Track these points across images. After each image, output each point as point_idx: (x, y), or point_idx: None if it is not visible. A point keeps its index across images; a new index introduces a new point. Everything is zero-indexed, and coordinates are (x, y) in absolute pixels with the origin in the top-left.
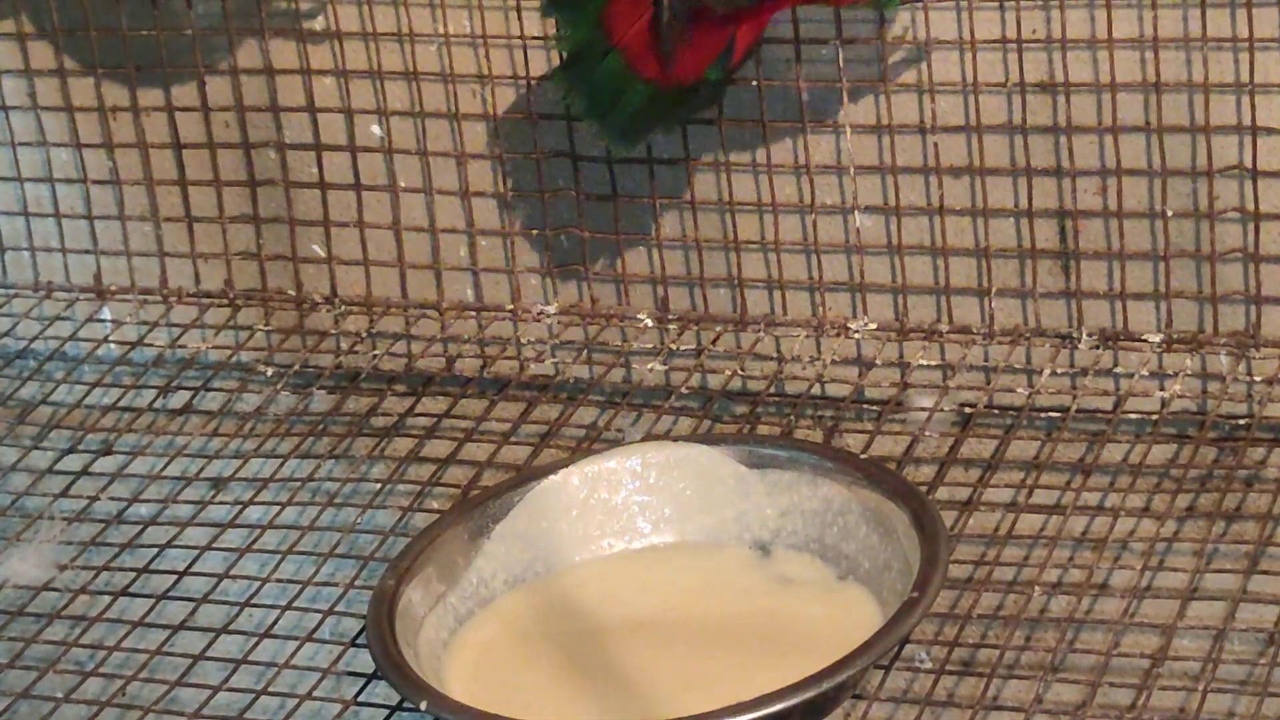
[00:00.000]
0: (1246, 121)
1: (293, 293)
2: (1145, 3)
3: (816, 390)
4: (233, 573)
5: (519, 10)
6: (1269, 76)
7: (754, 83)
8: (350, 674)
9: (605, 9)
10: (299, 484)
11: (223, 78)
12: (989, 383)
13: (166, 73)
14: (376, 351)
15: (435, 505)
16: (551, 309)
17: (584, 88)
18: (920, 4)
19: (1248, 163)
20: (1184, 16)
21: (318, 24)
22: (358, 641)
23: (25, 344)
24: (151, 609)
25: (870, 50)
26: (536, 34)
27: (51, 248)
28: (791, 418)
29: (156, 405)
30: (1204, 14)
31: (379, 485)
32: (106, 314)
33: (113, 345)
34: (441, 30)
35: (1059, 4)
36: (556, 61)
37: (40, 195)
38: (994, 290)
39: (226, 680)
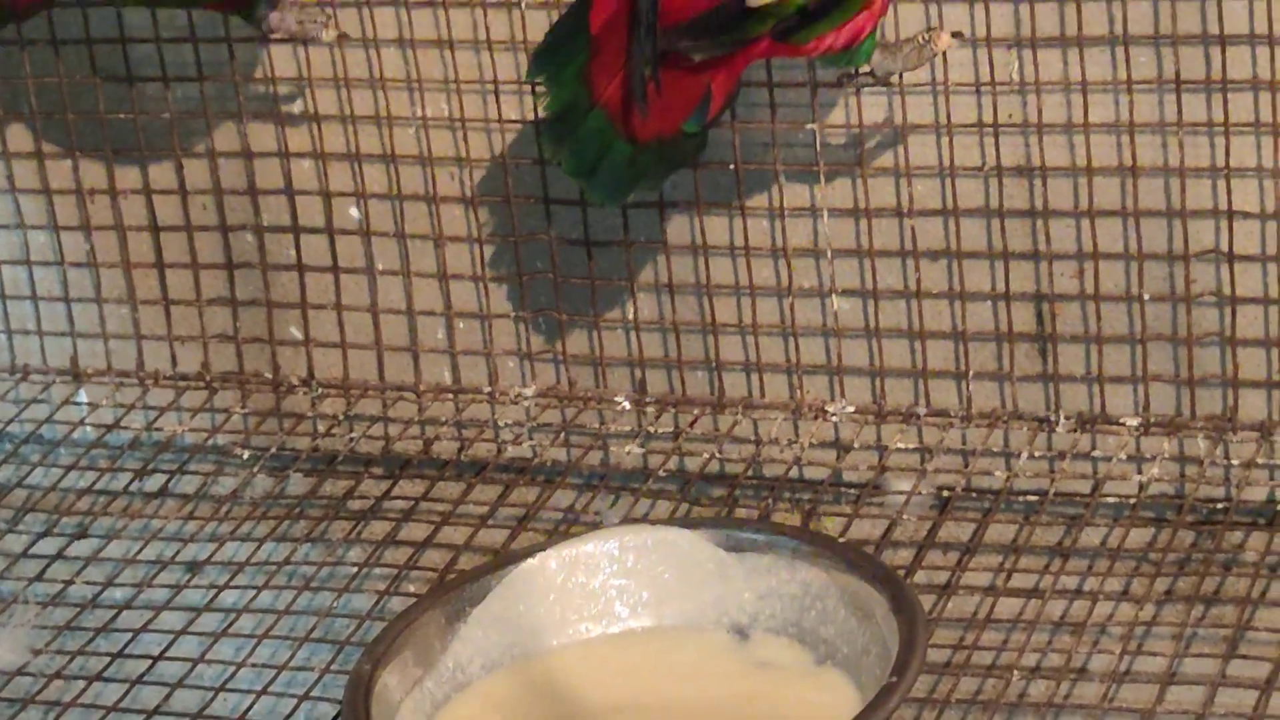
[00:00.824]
0: (1223, 206)
1: (270, 375)
2: (1121, 87)
3: (794, 473)
4: (208, 657)
5: (496, 93)
6: (1244, 161)
7: (730, 166)
8: None
9: (587, 66)
10: (275, 567)
11: (200, 160)
12: (967, 466)
13: (144, 155)
14: (353, 434)
15: (412, 589)
16: (529, 391)
17: (569, 146)
18: (887, 77)
19: (1224, 246)
20: (1159, 101)
21: (295, 107)
22: None
23: (1, 427)
24: (126, 694)
25: (847, 134)
26: (514, 117)
27: (28, 330)
28: (769, 501)
29: (132, 488)
30: (1179, 98)
31: (355, 569)
32: (83, 397)
33: (89, 428)
34: (419, 113)
35: (1035, 88)
36: (541, 117)
37: (17, 278)
38: (971, 373)
39: None
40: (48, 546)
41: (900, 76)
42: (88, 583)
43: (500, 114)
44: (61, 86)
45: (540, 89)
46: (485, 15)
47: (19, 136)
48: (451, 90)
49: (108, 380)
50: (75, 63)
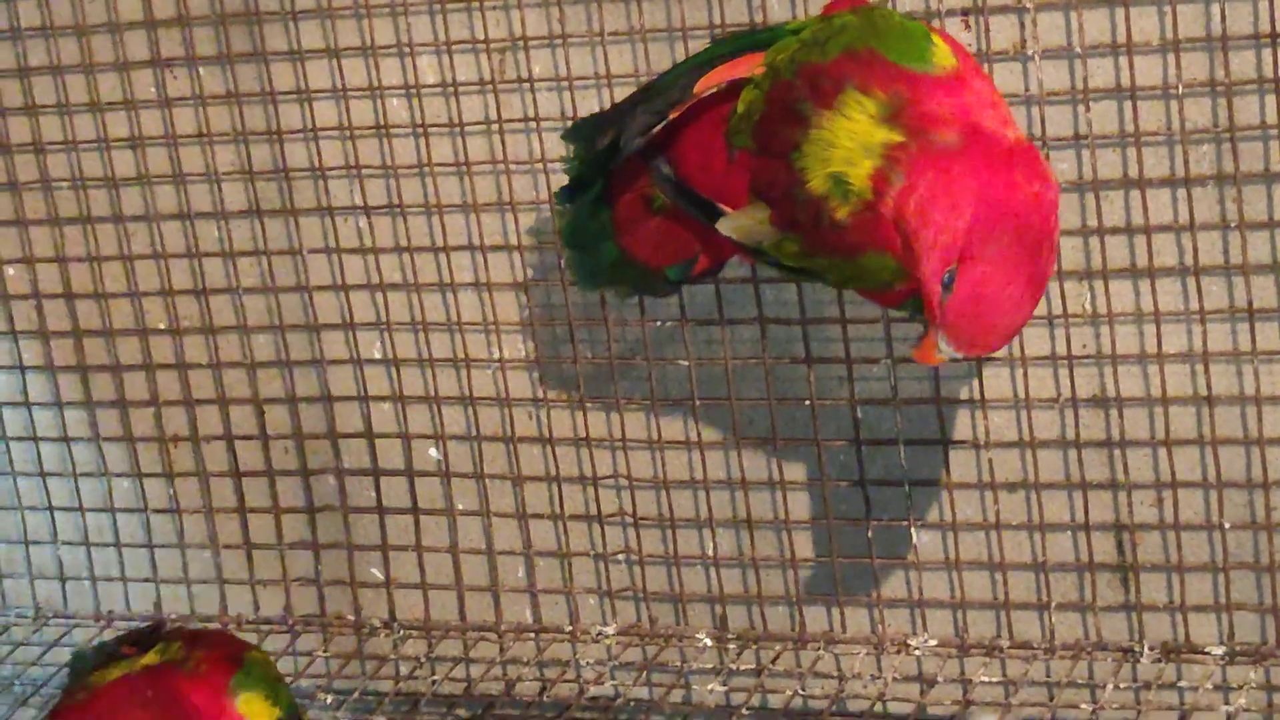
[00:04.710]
0: None
1: (352, 617)
2: (1194, 317)
3: (879, 708)
4: None
5: (571, 335)
6: None
7: (806, 402)
8: None
9: (610, 168)
10: None
11: (281, 405)
12: (1052, 699)
13: (225, 402)
14: (436, 676)
15: None
16: (610, 630)
17: (572, 217)
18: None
19: None
20: (1232, 330)
21: (375, 351)
22: None
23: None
24: None
25: (923, 368)
26: (589, 355)
27: (112, 577)
28: None
29: None
30: (1252, 327)
31: None
32: None
33: None
34: (496, 355)
35: (1108, 320)
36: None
37: (101, 525)
38: (1053, 604)
39: None
40: None
41: None
42: None
43: (575, 354)
44: (147, 338)
45: (567, 152)
46: (560, 258)
47: (103, 385)
48: (527, 331)
49: (191, 625)
50: (157, 315)
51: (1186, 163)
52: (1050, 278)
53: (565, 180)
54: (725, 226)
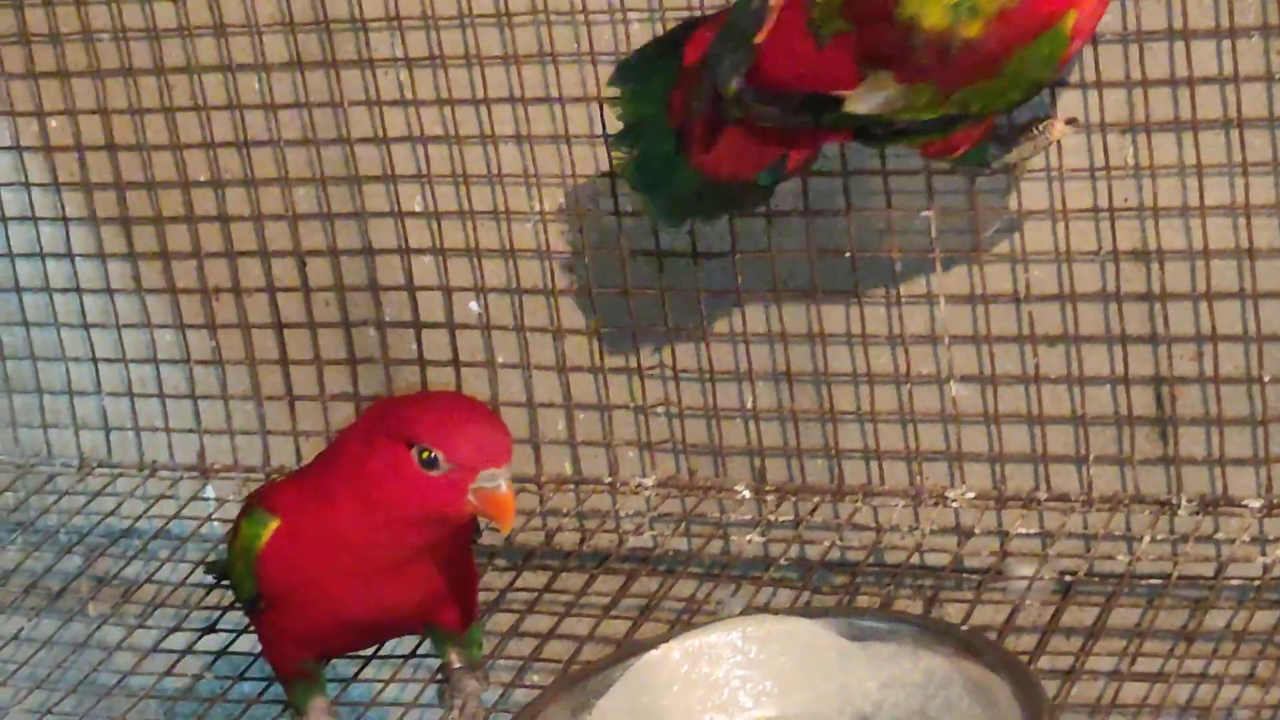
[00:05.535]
0: None
1: None
2: (1237, 170)
3: (916, 560)
4: None
5: (614, 187)
6: None
7: (847, 254)
8: None
9: (670, 92)
10: (401, 660)
11: (323, 258)
12: (1089, 550)
13: (267, 254)
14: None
15: (536, 680)
16: (649, 481)
17: (638, 159)
18: (1008, 170)
19: None
20: (1275, 183)
21: (416, 204)
22: None
23: (130, 523)
24: None
25: (963, 220)
26: (630, 209)
27: (156, 427)
28: (891, 588)
29: None
30: None
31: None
32: (210, 492)
33: (216, 523)
34: (537, 208)
35: (1150, 172)
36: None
37: (145, 376)
38: (1092, 457)
39: None
40: (177, 641)
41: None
42: (217, 677)
43: (617, 207)
44: (190, 191)
45: (614, 99)
46: (601, 110)
47: (145, 237)
48: (569, 184)
49: (234, 476)
50: (199, 167)
51: (1232, 14)
52: None
53: (621, 126)
54: (859, 105)
